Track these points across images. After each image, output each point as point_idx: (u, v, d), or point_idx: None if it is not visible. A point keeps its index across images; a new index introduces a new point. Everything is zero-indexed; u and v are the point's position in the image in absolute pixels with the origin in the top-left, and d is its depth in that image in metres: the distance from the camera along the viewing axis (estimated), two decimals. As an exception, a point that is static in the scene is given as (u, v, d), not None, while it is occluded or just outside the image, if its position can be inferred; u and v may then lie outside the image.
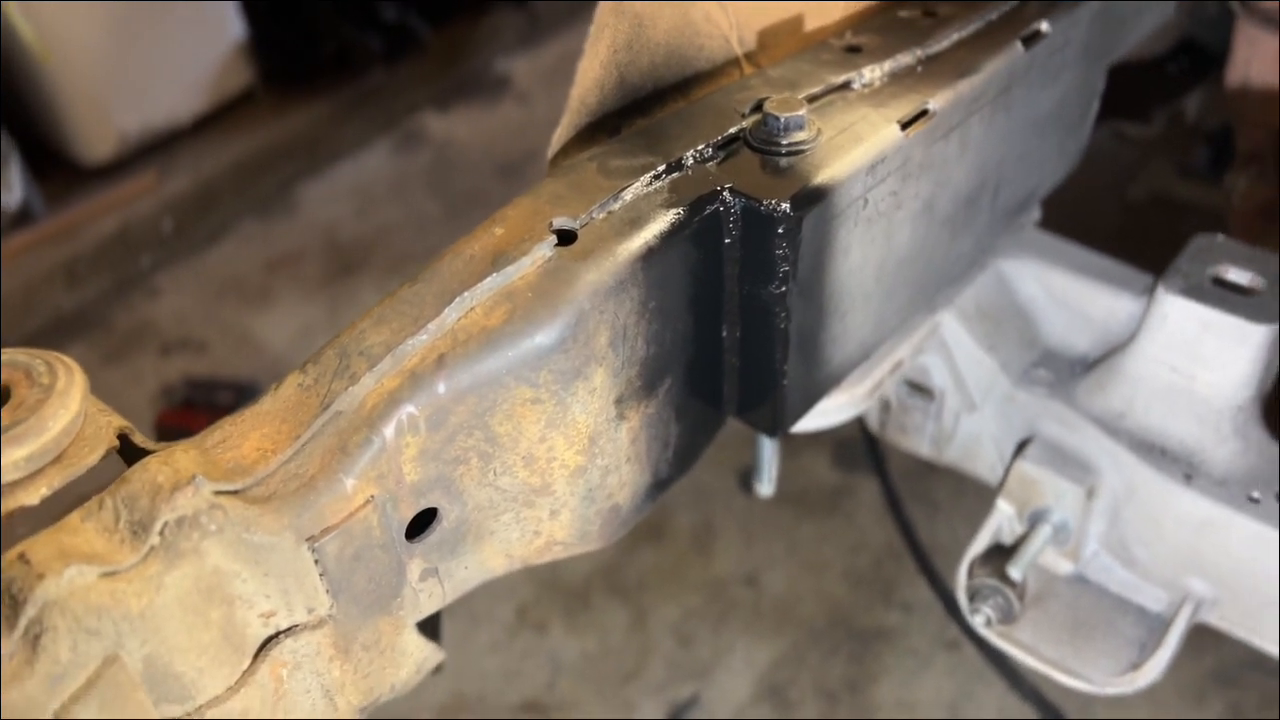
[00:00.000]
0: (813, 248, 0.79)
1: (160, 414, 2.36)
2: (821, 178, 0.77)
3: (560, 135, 0.79)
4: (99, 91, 2.82)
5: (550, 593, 1.84)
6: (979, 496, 1.15)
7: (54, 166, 2.88)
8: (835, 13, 0.95)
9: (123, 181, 2.87)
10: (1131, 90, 1.62)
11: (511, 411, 0.72)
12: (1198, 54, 1.73)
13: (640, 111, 0.86)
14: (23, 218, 2.72)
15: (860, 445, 1.98)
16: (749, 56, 0.91)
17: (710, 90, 0.89)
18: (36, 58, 2.66)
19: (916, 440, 1.17)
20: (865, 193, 0.82)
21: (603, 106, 0.82)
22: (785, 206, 0.75)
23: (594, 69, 0.79)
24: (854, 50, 0.91)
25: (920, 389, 1.13)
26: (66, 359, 0.70)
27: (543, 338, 0.69)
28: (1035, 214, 1.16)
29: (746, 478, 1.90)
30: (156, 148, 2.99)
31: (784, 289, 0.79)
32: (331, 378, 0.70)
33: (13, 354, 0.70)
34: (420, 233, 2.87)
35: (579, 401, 0.74)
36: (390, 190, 3.07)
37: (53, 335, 2.65)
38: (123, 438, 0.70)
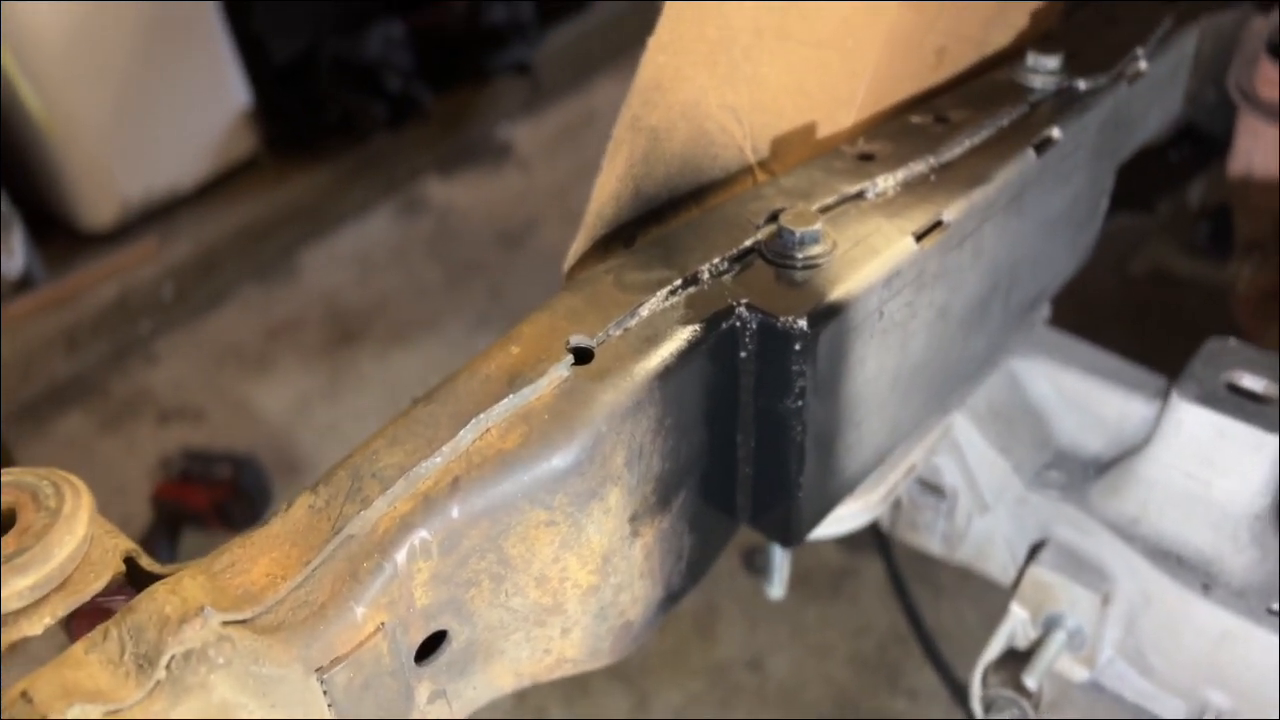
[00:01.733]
0: (829, 362, 0.79)
1: (157, 487, 2.34)
2: (837, 293, 0.77)
3: (577, 249, 0.79)
4: (102, 158, 2.83)
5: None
6: (984, 580, 1.14)
7: (56, 232, 2.89)
8: (848, 119, 0.95)
9: (124, 248, 2.88)
10: (1135, 180, 1.63)
11: (525, 534, 0.71)
12: (1199, 141, 1.74)
13: (655, 220, 0.86)
14: (23, 283, 2.73)
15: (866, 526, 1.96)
16: (762, 164, 0.92)
17: (724, 199, 0.89)
18: (40, 125, 2.68)
19: (928, 538, 1.15)
20: (881, 305, 0.82)
21: (618, 218, 0.82)
22: (802, 323, 0.75)
23: (611, 183, 0.79)
24: (867, 158, 0.92)
25: (932, 488, 1.12)
26: (74, 479, 0.69)
27: (559, 461, 0.68)
28: (1045, 311, 1.16)
29: (751, 558, 1.88)
30: (159, 214, 3.00)
31: (800, 404, 0.78)
32: (343, 500, 0.69)
33: (19, 475, 0.69)
34: (420, 300, 2.88)
35: (594, 522, 0.72)
36: (391, 257, 3.08)
37: (51, 402, 2.64)
38: (129, 561, 0.69)
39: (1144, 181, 1.65)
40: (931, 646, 1.77)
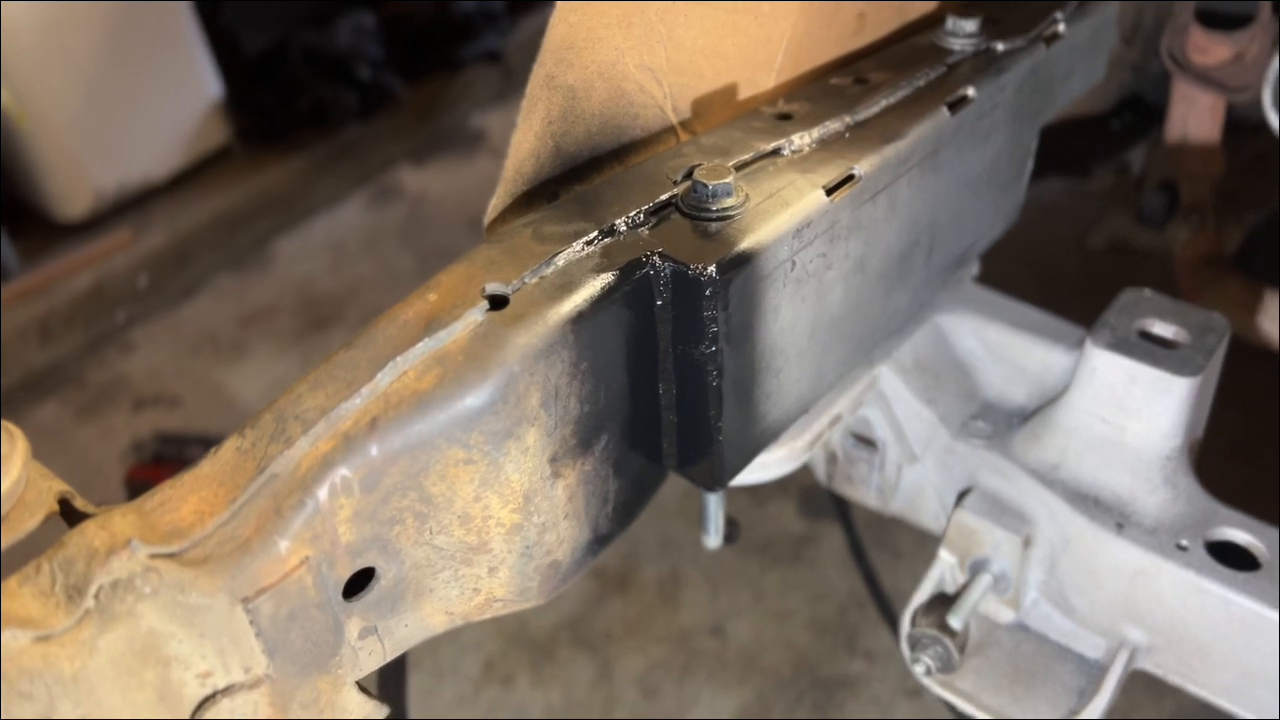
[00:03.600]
0: (741, 309, 0.82)
1: (130, 469, 2.36)
2: (748, 242, 0.80)
3: (496, 204, 0.82)
4: (75, 150, 2.85)
5: (517, 646, 1.84)
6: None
7: (30, 224, 2.90)
8: (768, 82, 0.99)
9: (98, 238, 2.90)
10: (1072, 146, 1.67)
11: (445, 472, 0.74)
12: (1143, 110, 1.78)
13: (578, 178, 0.90)
14: (-3, 275, 2.75)
15: (826, 494, 2.00)
16: (684, 124, 0.95)
17: (645, 157, 0.92)
18: (12, 117, 2.70)
19: (863, 491, 1.19)
20: (792, 255, 0.85)
21: (539, 175, 0.85)
22: (711, 270, 0.78)
23: (529, 140, 0.82)
24: (785, 118, 0.95)
25: (865, 441, 1.16)
26: (10, 426, 0.72)
27: (473, 400, 0.71)
28: (974, 269, 1.20)
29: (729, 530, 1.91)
30: (133, 204, 3.02)
31: (714, 348, 0.81)
32: (268, 441, 0.72)
33: (-43, 424, 0.72)
34: (393, 287, 2.90)
35: (512, 461, 0.76)
36: (364, 245, 3.10)
37: (26, 392, 2.66)
38: (63, 502, 0.72)
39: (1081, 148, 1.69)
40: (888, 607, 1.81)
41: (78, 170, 2.89)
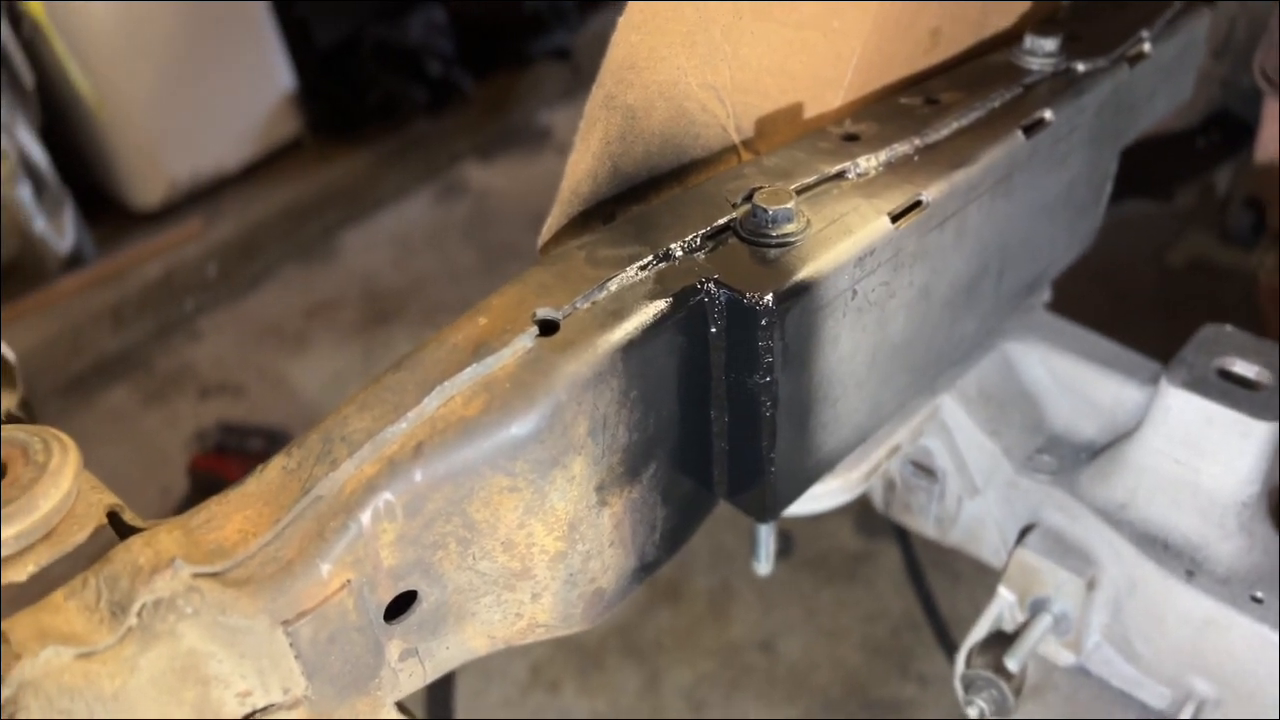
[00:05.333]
0: (798, 339, 0.80)
1: (193, 458, 2.41)
2: (807, 271, 0.78)
3: (551, 225, 0.81)
4: (151, 140, 2.91)
5: (564, 652, 1.84)
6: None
7: (106, 211, 2.97)
8: (835, 100, 0.96)
9: (170, 227, 2.96)
10: (1154, 165, 1.61)
11: (489, 499, 0.73)
12: (1231, 127, 1.71)
13: (635, 198, 0.88)
14: (74, 261, 2.81)
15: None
16: (746, 144, 0.92)
17: (705, 178, 0.90)
18: (91, 107, 2.76)
19: (921, 521, 1.16)
20: (853, 284, 0.82)
21: (596, 195, 0.84)
22: (768, 300, 0.75)
23: (586, 160, 0.81)
24: (851, 138, 0.92)
25: (924, 470, 1.12)
26: (63, 437, 0.72)
27: (518, 429, 0.70)
28: (1045, 295, 1.16)
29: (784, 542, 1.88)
30: (204, 194, 3.07)
31: (769, 379, 0.79)
32: (314, 462, 0.71)
33: (12, 431, 0.73)
34: (455, 283, 2.92)
35: (557, 490, 0.74)
36: (428, 240, 3.12)
37: (98, 376, 2.72)
38: (112, 515, 0.72)
39: (1164, 167, 1.63)
40: (944, 631, 1.77)
41: (153, 159, 2.95)
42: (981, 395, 1.06)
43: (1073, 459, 1.07)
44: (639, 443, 0.79)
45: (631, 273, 0.78)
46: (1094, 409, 1.07)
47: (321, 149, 3.28)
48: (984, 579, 1.84)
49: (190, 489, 2.33)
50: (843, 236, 0.81)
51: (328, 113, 3.30)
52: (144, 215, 2.99)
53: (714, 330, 0.79)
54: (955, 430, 1.05)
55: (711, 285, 0.77)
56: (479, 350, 0.72)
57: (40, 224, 2.61)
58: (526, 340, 0.73)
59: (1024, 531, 1.06)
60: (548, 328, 0.74)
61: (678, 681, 1.76)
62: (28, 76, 2.60)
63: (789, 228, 0.81)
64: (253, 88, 3.11)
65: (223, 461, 2.34)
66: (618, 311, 0.75)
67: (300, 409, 2.57)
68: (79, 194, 2.83)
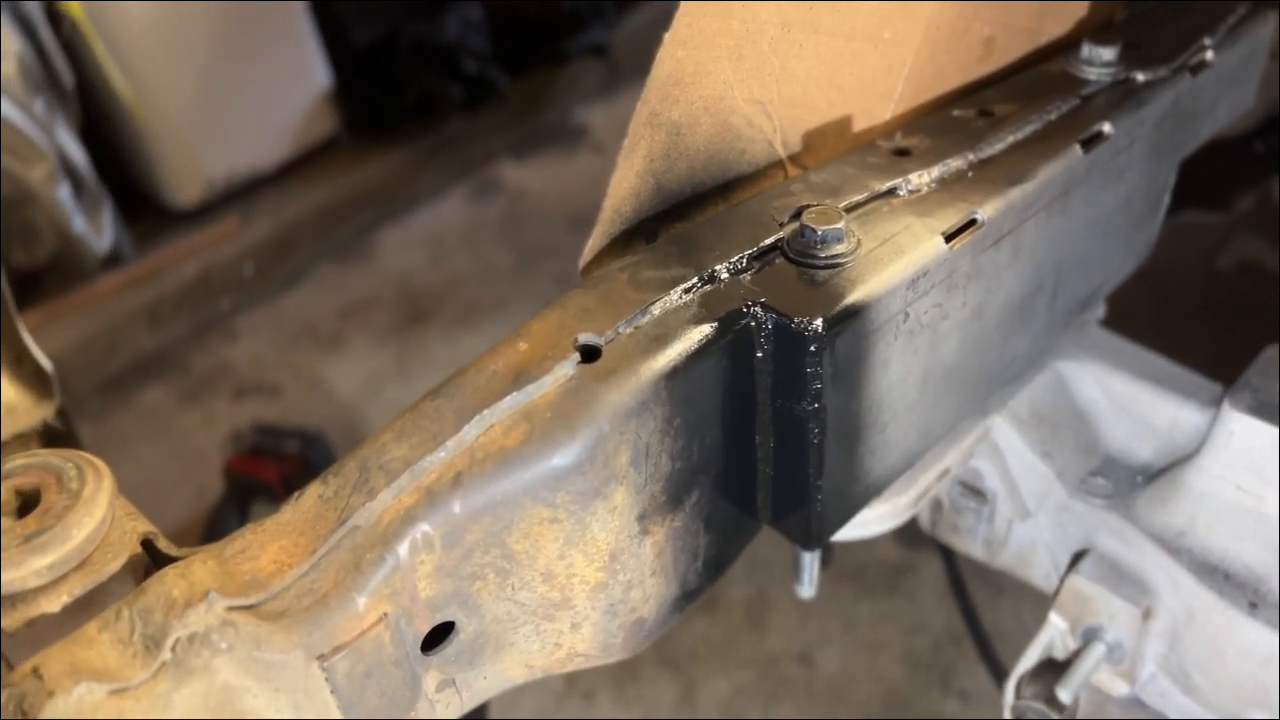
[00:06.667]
0: (847, 364, 0.77)
1: (229, 460, 2.41)
2: (857, 294, 0.75)
3: (593, 245, 0.79)
4: (188, 139, 2.92)
5: (599, 660, 1.82)
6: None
7: (143, 210, 2.99)
8: (885, 113, 0.93)
9: (207, 226, 2.97)
10: (1210, 172, 1.56)
11: (529, 530, 0.71)
12: (1291, 131, 1.65)
13: (679, 216, 0.85)
14: (112, 259, 2.83)
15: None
16: (793, 158, 0.90)
17: (751, 194, 0.88)
18: (128, 106, 2.77)
19: (968, 542, 1.12)
20: (906, 307, 0.79)
21: (639, 214, 0.82)
22: (817, 325, 0.73)
23: (629, 179, 0.78)
24: (902, 153, 0.89)
25: (973, 490, 1.09)
26: (97, 463, 0.71)
27: (560, 460, 0.68)
28: (1099, 311, 1.12)
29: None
30: (241, 193, 3.08)
31: (817, 406, 0.76)
32: (350, 491, 0.70)
33: (47, 457, 0.72)
34: (490, 283, 2.91)
35: (598, 521, 0.72)
36: (463, 239, 3.11)
37: (135, 375, 2.74)
38: (146, 543, 0.71)
39: (1220, 175, 1.58)
40: (987, 646, 1.73)
41: (190, 159, 2.96)
42: (1034, 416, 1.03)
43: (1128, 482, 1.03)
44: (682, 470, 0.77)
45: (675, 296, 0.75)
46: (1150, 431, 1.04)
47: (357, 148, 3.28)
48: (1027, 592, 1.80)
49: (225, 490, 2.34)
50: (895, 257, 0.78)
51: (363, 111, 3.30)
52: (181, 214, 3.00)
53: (760, 355, 0.77)
54: (1007, 452, 1.02)
55: (758, 309, 0.75)
56: (519, 377, 0.70)
57: (79, 224, 2.63)
58: (568, 367, 0.71)
59: (1077, 557, 1.02)
60: (589, 354, 0.72)
61: (714, 693, 1.74)
62: (67, 76, 2.62)
63: (838, 248, 0.78)
64: (289, 87, 3.11)
65: (258, 463, 2.34)
66: (661, 337, 0.73)
67: (336, 410, 2.57)
68: (116, 193, 2.85)
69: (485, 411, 0.69)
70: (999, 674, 1.71)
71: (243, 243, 2.96)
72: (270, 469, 2.30)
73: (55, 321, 2.62)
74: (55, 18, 2.64)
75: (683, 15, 0.73)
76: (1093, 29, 1.07)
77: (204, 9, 2.80)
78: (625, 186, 0.78)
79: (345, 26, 3.21)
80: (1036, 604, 1.63)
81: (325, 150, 3.25)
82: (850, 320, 0.74)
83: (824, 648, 1.78)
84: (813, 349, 0.74)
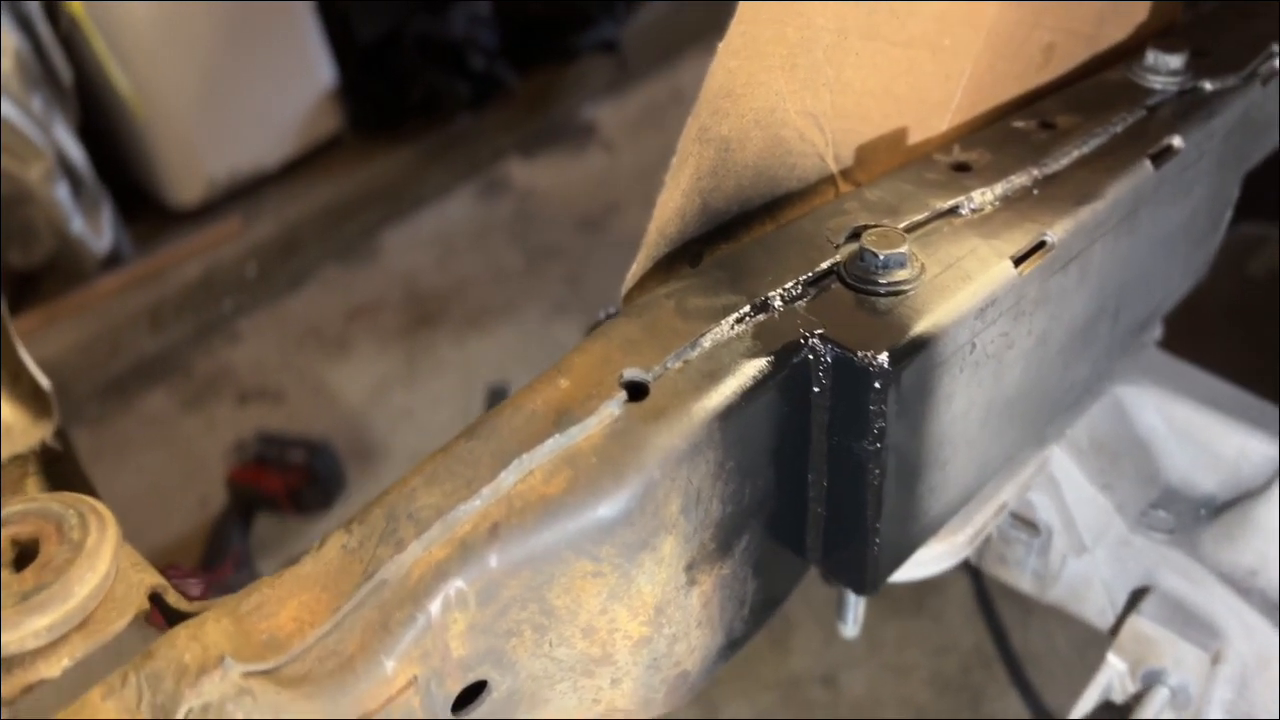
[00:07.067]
0: (912, 401, 0.71)
1: (232, 470, 2.35)
2: (924, 325, 0.69)
3: (636, 270, 0.73)
4: (189, 137, 2.86)
5: (616, 680, 1.76)
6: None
7: (143, 209, 2.93)
8: (942, 124, 0.87)
9: (209, 226, 2.91)
10: (1264, 183, 1.50)
11: (570, 585, 0.65)
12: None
13: (724, 236, 0.80)
14: (112, 261, 2.77)
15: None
16: (845, 174, 0.84)
17: (801, 212, 0.82)
18: (129, 103, 2.71)
19: (1017, 574, 1.07)
20: (973, 337, 0.74)
21: (683, 235, 0.76)
22: (883, 360, 0.67)
23: (675, 199, 0.72)
24: (962, 168, 0.83)
25: (1024, 521, 1.03)
26: (100, 508, 0.66)
27: (606, 510, 0.62)
28: (1157, 332, 1.06)
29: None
30: (243, 192, 3.02)
31: (878, 446, 0.71)
32: (377, 542, 0.64)
33: (46, 502, 0.66)
34: (499, 285, 2.85)
35: (645, 573, 0.67)
36: (471, 240, 3.05)
37: (136, 378, 2.68)
38: (155, 597, 0.65)
39: (1276, 184, 1.51)
40: (1018, 670, 1.68)
41: (192, 157, 2.90)
42: (1093, 445, 0.97)
43: (1191, 516, 0.97)
44: (733, 515, 0.71)
45: (727, 326, 0.70)
46: (1215, 461, 0.98)
47: (362, 146, 3.22)
48: (1058, 612, 1.75)
49: (228, 502, 2.28)
50: (961, 284, 0.73)
51: (369, 109, 3.24)
52: (182, 214, 2.94)
53: (817, 390, 0.71)
54: (1064, 484, 0.96)
55: (817, 341, 0.69)
56: (561, 418, 0.64)
57: (78, 224, 2.56)
58: (614, 407, 0.65)
59: (1136, 594, 0.97)
60: (636, 391, 0.66)
61: (736, 716, 1.69)
62: (66, 73, 2.56)
63: (901, 274, 0.72)
64: (293, 84, 3.05)
65: (262, 474, 2.29)
66: (713, 373, 0.67)
67: (341, 418, 2.51)
68: (116, 192, 2.79)
69: (524, 456, 0.63)
70: (1031, 697, 1.65)
71: (245, 243, 2.90)
72: (274, 480, 2.24)
73: (53, 324, 2.56)
74: (54, 13, 2.58)
75: (737, 23, 0.68)
76: (1152, 34, 1.01)
77: (206, 4, 2.74)
78: (671, 207, 0.72)
79: (350, 22, 3.14)
80: (1067, 624, 1.57)
81: (330, 148, 3.18)
82: (917, 354, 0.69)
83: (849, 669, 1.72)
84: (877, 385, 0.68)
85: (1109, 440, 0.98)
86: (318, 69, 3.10)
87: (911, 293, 0.72)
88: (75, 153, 2.58)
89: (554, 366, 0.68)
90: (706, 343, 0.69)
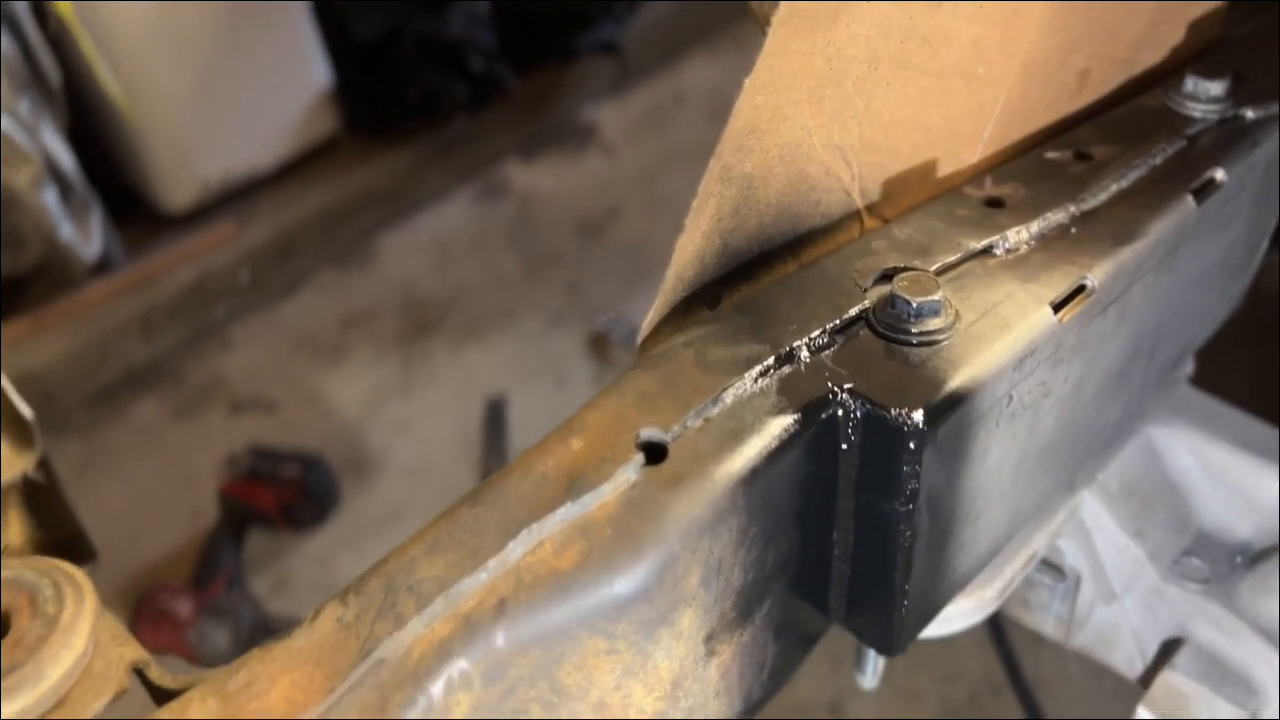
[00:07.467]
0: (947, 459, 0.67)
1: (224, 485, 2.31)
2: (961, 379, 0.65)
3: (653, 318, 0.68)
4: (182, 139, 2.81)
5: (617, 705, 1.72)
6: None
7: (135, 213, 2.87)
8: (973, 156, 0.83)
9: (202, 230, 2.85)
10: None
11: (582, 663, 0.60)
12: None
13: (743, 276, 0.75)
14: (102, 266, 2.72)
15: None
16: (872, 208, 0.79)
17: (825, 249, 0.78)
18: (119, 106, 2.65)
19: (1040, 618, 1.02)
20: (1011, 389, 0.69)
21: (702, 278, 0.71)
22: (917, 418, 0.63)
23: (695, 241, 0.68)
24: (995, 204, 0.79)
25: (1049, 564, 0.99)
26: (78, 575, 0.62)
27: (622, 587, 0.58)
28: (1188, 367, 1.02)
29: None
30: (237, 196, 2.97)
31: (911, 507, 0.66)
32: (375, 616, 0.60)
33: (19, 571, 0.62)
34: (497, 292, 2.80)
35: (662, 649, 0.62)
36: (469, 245, 3.00)
37: (127, 387, 2.63)
38: (139, 672, 0.61)
39: None
40: (1029, 698, 1.64)
41: (184, 160, 2.84)
42: (1124, 489, 0.92)
43: (1227, 564, 0.93)
44: (754, 582, 0.66)
45: (750, 379, 0.65)
46: (1251, 506, 0.94)
47: (359, 148, 3.17)
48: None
49: (220, 518, 2.23)
50: (999, 333, 0.68)
51: (365, 110, 3.18)
52: (175, 218, 2.88)
53: (845, 447, 0.66)
54: (1094, 530, 0.92)
55: (846, 396, 0.65)
56: (573, 484, 0.60)
57: (66, 230, 2.51)
58: (630, 472, 0.60)
59: (1169, 646, 0.92)
60: (655, 453, 0.61)
61: (739, 743, 1.64)
62: (54, 76, 2.50)
63: (935, 322, 0.68)
64: (288, 85, 2.99)
65: (255, 489, 2.24)
66: (737, 432, 0.62)
67: (336, 429, 2.46)
68: (107, 195, 2.73)
69: (534, 526, 0.59)
70: (1043, 727, 1.61)
71: (239, 248, 2.85)
72: (267, 496, 2.19)
73: (42, 331, 2.51)
74: (42, 14, 2.52)
75: (765, 57, 0.63)
76: (1189, 55, 0.97)
77: (198, 4, 2.68)
78: (690, 250, 0.68)
79: (346, 21, 3.08)
80: (1079, 651, 1.53)
81: (325, 151, 3.12)
82: (953, 410, 0.64)
83: (856, 697, 1.68)
84: (911, 445, 0.63)
85: (1140, 484, 0.94)
86: (313, 69, 3.04)
87: (946, 343, 0.67)
88: (64, 157, 2.53)
89: (566, 424, 0.64)
90: (729, 398, 0.64)
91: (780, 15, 0.62)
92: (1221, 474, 0.95)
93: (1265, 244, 1.00)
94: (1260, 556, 0.92)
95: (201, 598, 2.04)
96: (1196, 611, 0.91)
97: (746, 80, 0.63)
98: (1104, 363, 0.80)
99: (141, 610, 2.04)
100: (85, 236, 2.59)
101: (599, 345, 2.65)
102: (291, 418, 2.50)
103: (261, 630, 2.05)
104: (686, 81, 3.61)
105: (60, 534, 1.19)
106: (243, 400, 2.57)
